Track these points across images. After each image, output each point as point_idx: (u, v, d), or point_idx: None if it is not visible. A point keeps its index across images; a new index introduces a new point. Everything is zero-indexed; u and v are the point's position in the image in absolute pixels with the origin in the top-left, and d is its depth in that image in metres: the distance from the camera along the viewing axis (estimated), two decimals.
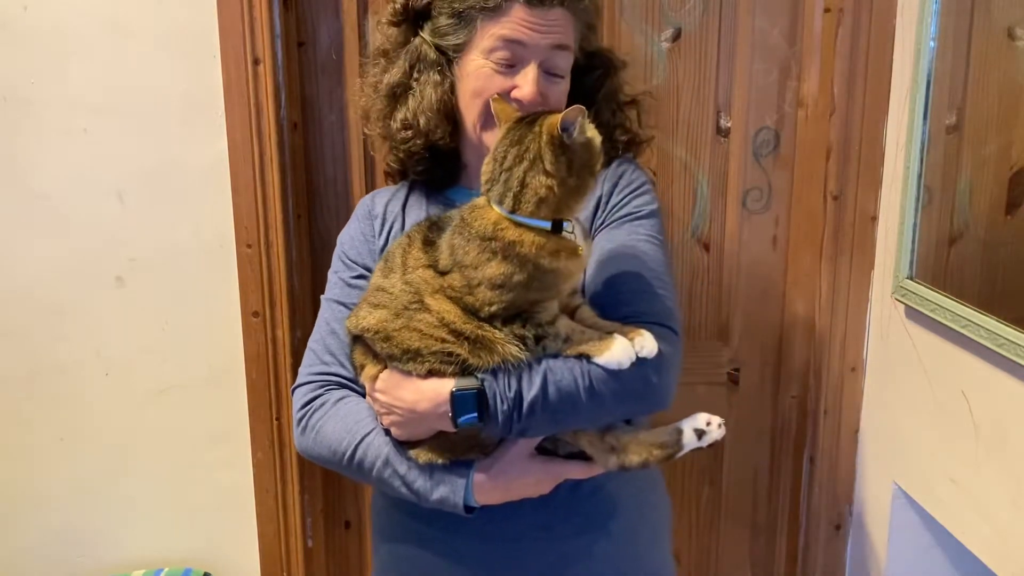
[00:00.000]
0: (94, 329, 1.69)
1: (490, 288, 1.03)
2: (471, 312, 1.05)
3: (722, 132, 1.77)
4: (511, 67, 1.16)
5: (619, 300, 1.12)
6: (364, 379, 1.14)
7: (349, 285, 1.25)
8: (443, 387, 1.06)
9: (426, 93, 1.21)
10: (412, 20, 1.24)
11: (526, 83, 1.15)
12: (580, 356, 1.05)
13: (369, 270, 1.24)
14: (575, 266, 1.05)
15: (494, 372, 1.05)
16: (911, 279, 1.56)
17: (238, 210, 1.64)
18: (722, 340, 1.87)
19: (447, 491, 1.10)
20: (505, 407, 1.04)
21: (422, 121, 1.22)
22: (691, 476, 1.93)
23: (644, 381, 1.07)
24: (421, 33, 1.23)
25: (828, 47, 1.71)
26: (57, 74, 1.59)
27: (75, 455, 1.73)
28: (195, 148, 1.63)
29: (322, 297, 1.28)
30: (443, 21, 1.20)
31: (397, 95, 1.25)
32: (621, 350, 1.03)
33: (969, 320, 1.36)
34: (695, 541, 1.97)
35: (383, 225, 1.28)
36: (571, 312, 1.10)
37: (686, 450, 1.11)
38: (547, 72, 1.17)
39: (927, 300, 1.49)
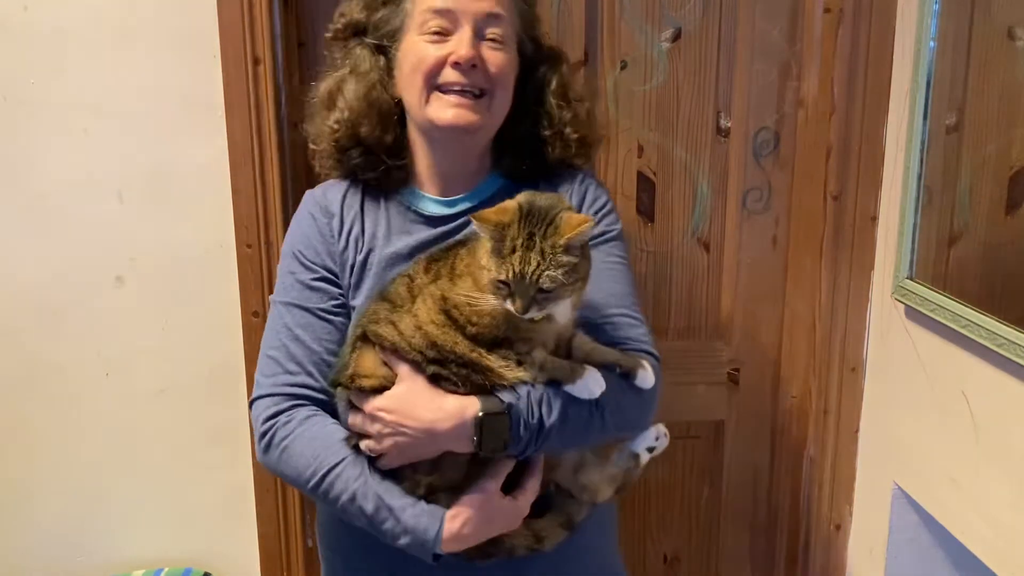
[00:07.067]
0: (94, 329, 1.69)
1: (467, 304, 1.05)
2: (466, 335, 1.06)
3: (722, 132, 1.77)
4: (446, 37, 1.16)
5: (606, 324, 1.16)
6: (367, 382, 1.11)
7: (310, 288, 1.20)
8: (467, 407, 1.05)
9: (350, 85, 1.22)
10: (353, 35, 1.25)
11: (460, 44, 1.15)
12: (551, 382, 1.07)
13: (330, 272, 1.21)
14: (537, 324, 1.05)
15: (513, 391, 1.06)
16: (911, 279, 1.56)
17: (238, 210, 1.64)
18: (722, 340, 1.87)
19: (414, 541, 1.07)
20: (527, 435, 1.05)
21: (347, 114, 1.22)
22: (691, 476, 1.93)
23: (641, 409, 1.15)
24: (365, 39, 1.24)
25: (828, 47, 1.71)
26: (57, 74, 1.59)
27: (75, 455, 1.73)
28: (195, 148, 1.63)
29: (274, 299, 1.22)
30: (379, 14, 1.22)
31: (333, 99, 1.25)
32: (593, 380, 1.06)
33: (969, 320, 1.36)
34: (695, 541, 1.96)
35: (342, 225, 1.23)
36: (567, 342, 1.11)
37: (641, 468, 1.20)
38: (483, 39, 1.17)
39: (927, 300, 1.49)
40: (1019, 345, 1.24)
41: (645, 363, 1.11)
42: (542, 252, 0.99)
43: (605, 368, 1.09)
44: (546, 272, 0.98)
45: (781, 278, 1.84)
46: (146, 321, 1.69)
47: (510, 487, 1.10)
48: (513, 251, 0.99)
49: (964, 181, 1.46)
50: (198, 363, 1.71)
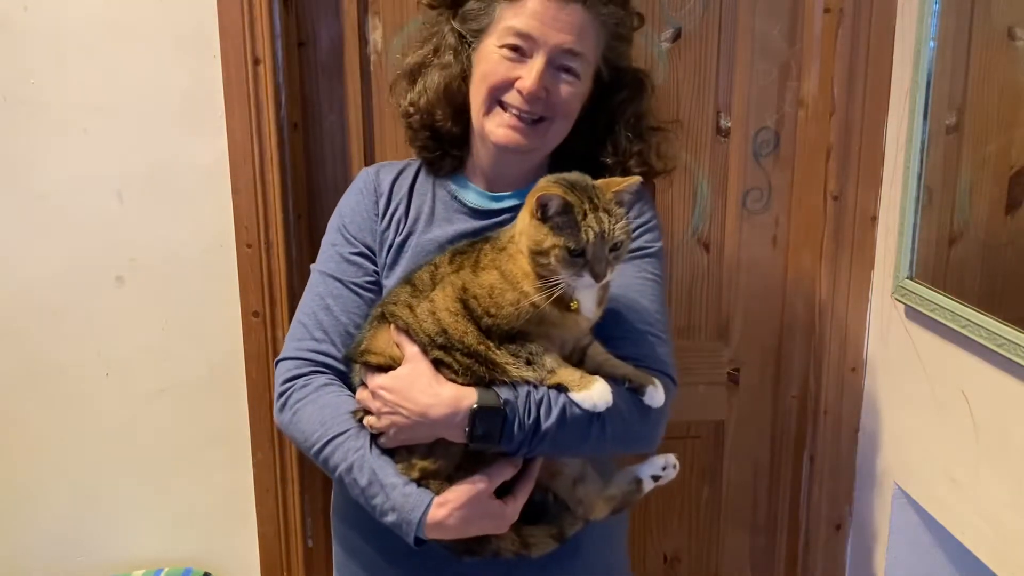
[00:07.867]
0: (94, 329, 1.69)
1: (488, 295, 1.05)
2: (479, 327, 1.06)
3: (722, 132, 1.77)
4: (522, 57, 1.17)
5: (626, 338, 1.15)
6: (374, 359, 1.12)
7: (347, 261, 1.25)
8: (463, 397, 1.05)
9: (433, 76, 1.25)
10: (447, 6, 1.26)
11: (529, 74, 1.15)
12: (558, 386, 1.07)
13: (369, 248, 1.25)
14: (564, 317, 1.05)
15: (513, 388, 1.06)
16: (911, 279, 1.56)
17: (238, 210, 1.64)
18: (722, 340, 1.87)
19: (400, 519, 1.08)
20: (521, 434, 1.05)
21: (422, 101, 1.25)
22: (691, 476, 1.93)
23: (646, 427, 1.13)
24: (452, 21, 1.25)
25: (828, 47, 1.71)
26: (57, 74, 1.59)
27: (75, 455, 1.73)
28: (195, 148, 1.63)
29: (313, 267, 1.27)
30: (471, 4, 1.22)
31: (415, 76, 1.28)
32: (600, 392, 1.06)
33: (969, 320, 1.36)
34: (695, 541, 1.97)
35: (388, 205, 1.28)
36: (582, 349, 1.11)
37: (643, 493, 1.19)
38: (557, 69, 1.17)
39: (927, 300, 1.49)
40: (1019, 345, 1.24)
41: (656, 381, 1.10)
42: (607, 210, 1.02)
43: (615, 381, 1.09)
44: (617, 225, 1.02)
45: (781, 278, 1.84)
46: (146, 321, 1.69)
47: (505, 493, 1.11)
48: (585, 216, 1.00)
49: (964, 181, 1.46)
50: (198, 363, 1.71)
